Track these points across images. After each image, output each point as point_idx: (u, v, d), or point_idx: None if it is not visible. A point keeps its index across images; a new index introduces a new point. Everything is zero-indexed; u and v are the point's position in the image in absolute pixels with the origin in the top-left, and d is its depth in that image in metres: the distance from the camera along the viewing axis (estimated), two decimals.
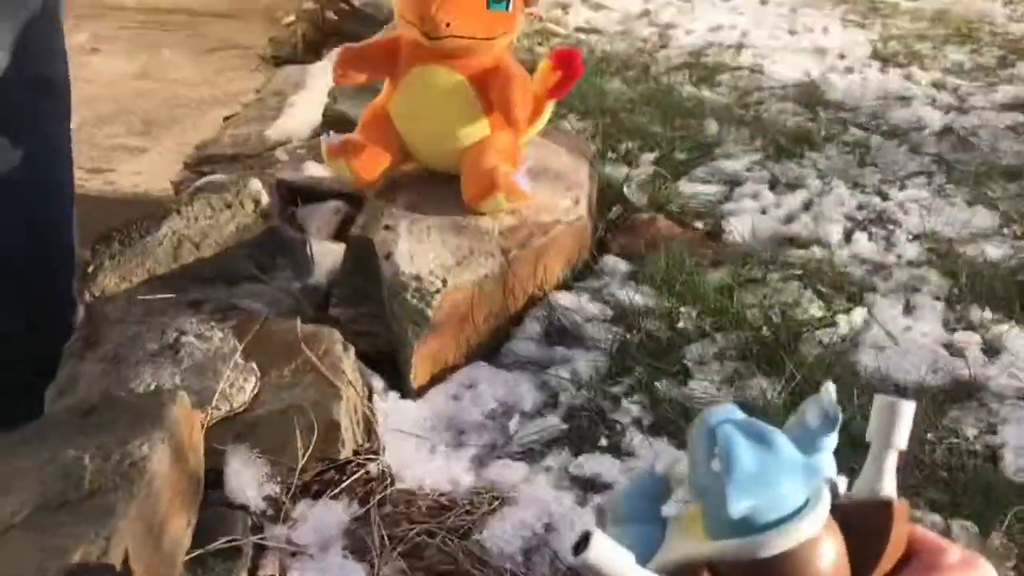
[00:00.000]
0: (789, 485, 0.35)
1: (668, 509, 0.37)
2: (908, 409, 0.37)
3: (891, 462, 0.37)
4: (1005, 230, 1.76)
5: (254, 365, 1.21)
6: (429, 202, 1.44)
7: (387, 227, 1.36)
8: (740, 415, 0.38)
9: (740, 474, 0.34)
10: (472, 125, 1.42)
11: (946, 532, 1.11)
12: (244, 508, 1.04)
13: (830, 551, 0.34)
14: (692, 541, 0.36)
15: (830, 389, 0.38)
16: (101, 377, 1.21)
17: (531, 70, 1.49)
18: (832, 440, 0.37)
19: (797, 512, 0.34)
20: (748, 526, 0.34)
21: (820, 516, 0.34)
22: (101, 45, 4.45)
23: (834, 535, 0.35)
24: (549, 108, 1.52)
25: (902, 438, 0.37)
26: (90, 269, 1.36)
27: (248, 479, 1.06)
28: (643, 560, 0.36)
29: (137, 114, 3.75)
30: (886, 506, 0.36)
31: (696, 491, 0.37)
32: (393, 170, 1.49)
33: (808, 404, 0.38)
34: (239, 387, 1.17)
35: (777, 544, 0.34)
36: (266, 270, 1.41)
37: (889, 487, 0.37)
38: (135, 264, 1.36)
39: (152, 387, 1.16)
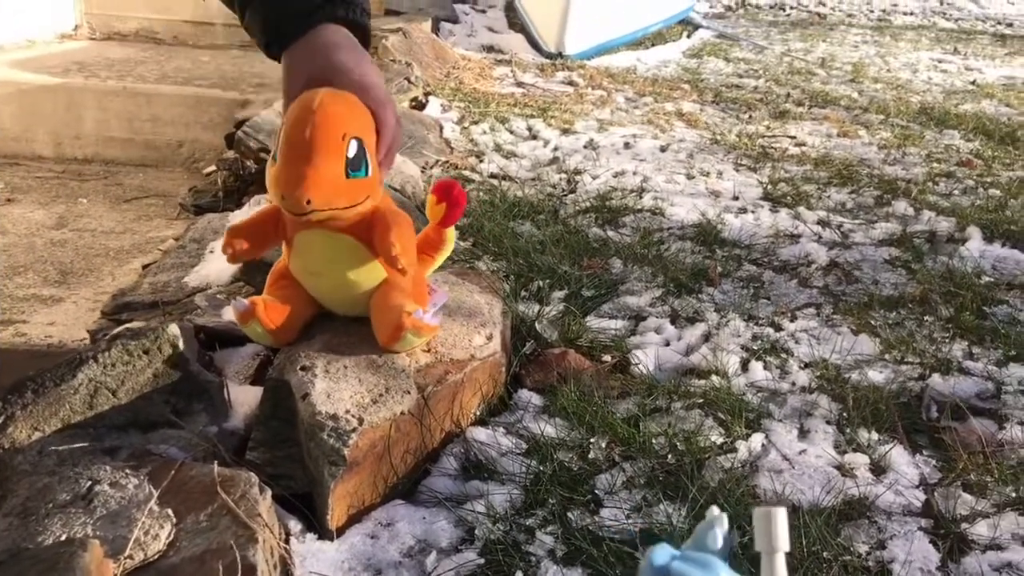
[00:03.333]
0: None
1: None
2: (782, 514, 0.42)
3: (781, 563, 0.41)
4: (887, 356, 1.91)
5: (170, 511, 1.21)
6: (345, 342, 1.49)
7: (303, 368, 1.40)
8: (674, 551, 0.41)
9: None
10: (367, 272, 1.47)
11: None
12: None
13: None
14: None
15: (716, 513, 0.42)
16: (7, 532, 1.18)
17: None
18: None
19: None
20: None
21: None
22: (16, 195, 4.45)
23: None
24: (450, 236, 1.60)
25: (784, 540, 0.41)
26: (0, 420, 1.35)
27: None
28: None
29: (53, 263, 3.73)
30: None
31: None
32: (306, 321, 1.53)
33: (703, 528, 0.42)
34: (154, 534, 1.17)
35: None
36: (182, 415, 1.43)
37: None
38: (49, 413, 1.36)
39: (63, 539, 1.14)
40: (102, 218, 4.27)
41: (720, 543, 0.40)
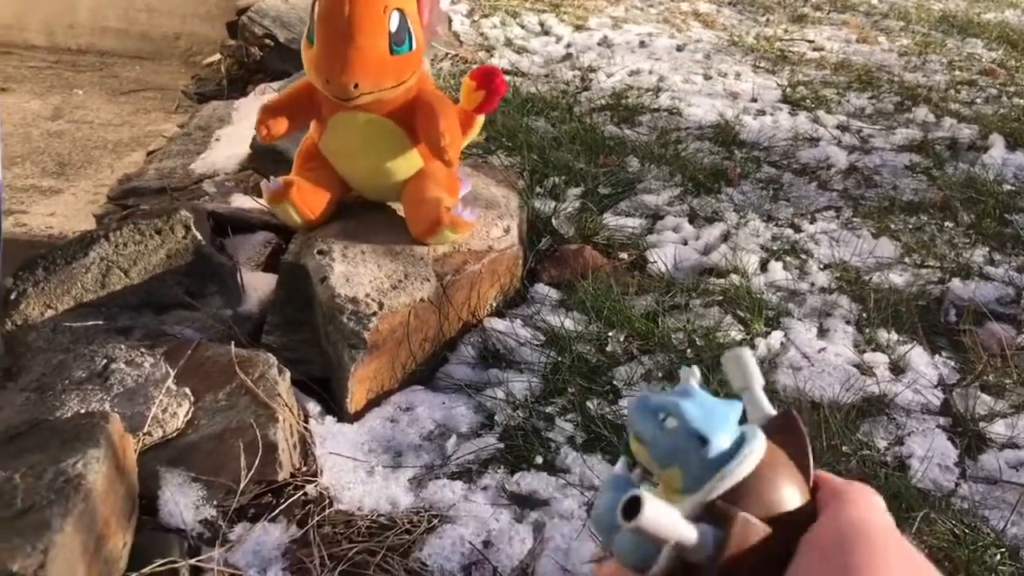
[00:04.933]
0: (730, 413, 0.39)
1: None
2: (747, 353, 0.44)
3: (760, 392, 0.43)
4: (907, 259, 1.88)
5: (187, 390, 1.20)
6: (361, 228, 1.45)
7: (321, 252, 1.36)
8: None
9: (699, 420, 0.38)
10: (405, 160, 1.42)
11: None
12: (180, 531, 1.02)
13: (779, 451, 0.39)
14: (682, 503, 0.38)
15: (689, 369, 0.43)
16: (24, 406, 1.17)
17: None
18: None
19: (744, 434, 0.39)
20: (721, 460, 0.38)
21: (758, 429, 0.39)
22: (9, 84, 4.34)
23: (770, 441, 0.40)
24: (479, 122, 1.54)
25: (757, 374, 0.43)
26: (12, 296, 1.32)
27: (184, 503, 1.05)
28: None
29: (50, 155, 3.65)
30: (787, 414, 0.42)
31: (662, 463, 0.39)
32: (335, 205, 1.48)
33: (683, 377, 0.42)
34: (172, 412, 1.16)
35: (753, 457, 0.38)
36: (196, 297, 1.40)
37: (769, 408, 0.43)
38: (61, 291, 1.33)
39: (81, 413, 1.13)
40: (99, 110, 4.16)
41: (696, 385, 0.41)
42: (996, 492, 1.26)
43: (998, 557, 1.13)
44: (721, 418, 0.38)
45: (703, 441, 0.38)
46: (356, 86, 1.27)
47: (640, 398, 0.39)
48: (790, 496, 0.39)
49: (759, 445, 0.38)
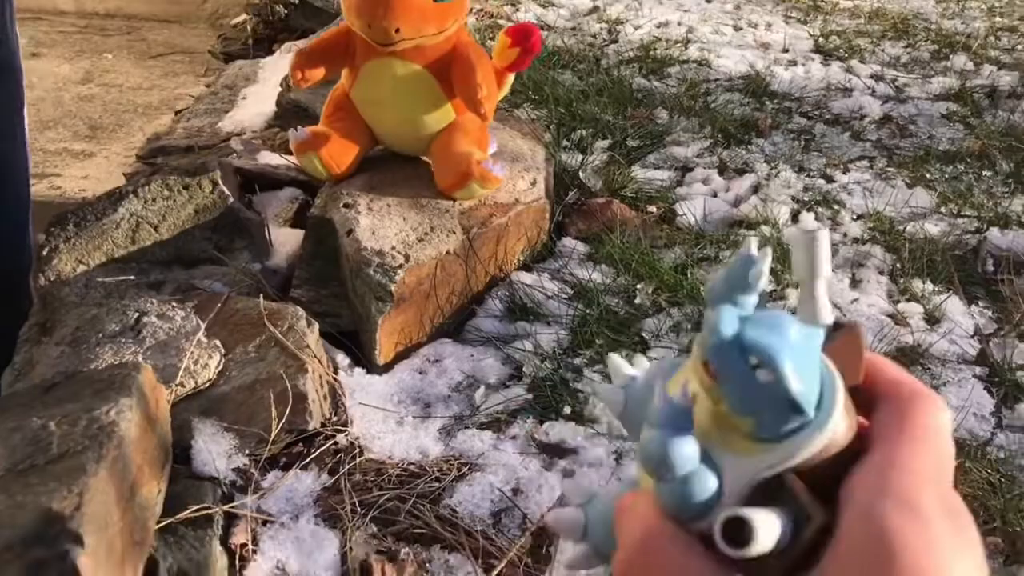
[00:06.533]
0: (818, 362, 0.33)
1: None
2: (824, 237, 0.35)
3: (823, 290, 0.35)
4: (943, 209, 1.84)
5: (218, 342, 1.21)
6: (386, 180, 1.45)
7: (347, 205, 1.36)
8: (740, 311, 0.34)
9: (799, 387, 0.32)
10: (437, 111, 1.41)
11: None
12: (213, 479, 1.04)
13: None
14: (752, 457, 0.33)
15: (754, 248, 0.35)
16: (60, 359, 1.19)
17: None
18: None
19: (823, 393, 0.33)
20: (803, 421, 0.33)
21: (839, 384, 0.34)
22: (40, 49, 4.36)
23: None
24: (510, 80, 1.52)
25: (826, 266, 0.35)
26: (44, 252, 1.34)
27: (216, 451, 1.06)
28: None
29: (82, 118, 3.68)
30: (852, 333, 0.35)
31: (736, 409, 0.33)
32: (361, 158, 1.47)
33: (742, 264, 0.34)
34: (203, 364, 1.17)
35: (836, 420, 0.33)
36: (224, 252, 1.41)
37: (828, 314, 0.35)
38: (92, 247, 1.34)
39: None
40: (128, 74, 4.18)
41: (762, 283, 0.34)
42: None
43: None
44: (812, 375, 0.33)
45: (798, 411, 0.32)
46: (398, 31, 1.27)
47: (723, 322, 0.32)
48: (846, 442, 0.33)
49: (838, 415, 0.33)
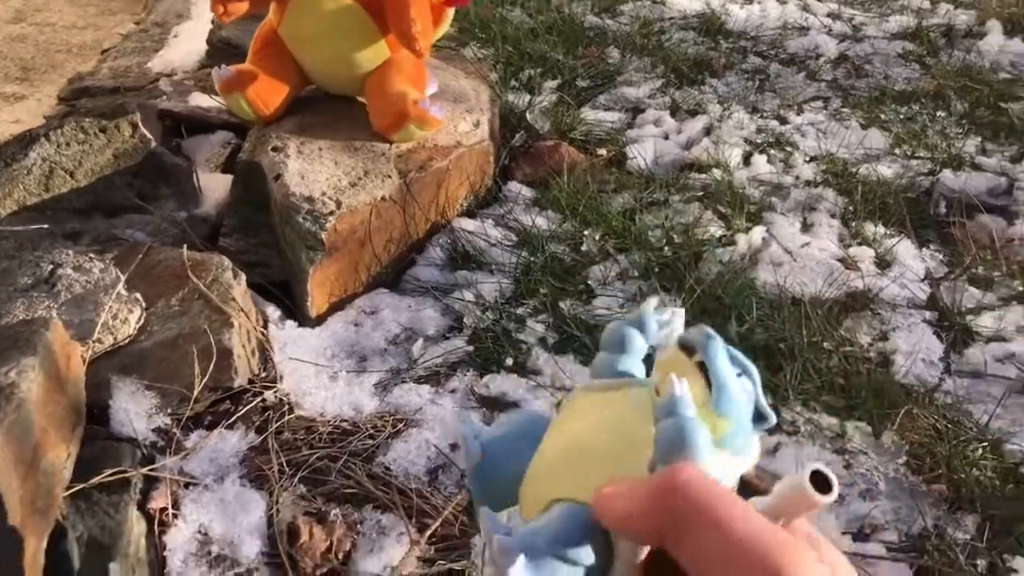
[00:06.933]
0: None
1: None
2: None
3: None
4: (896, 150, 1.81)
5: (138, 296, 1.14)
6: (319, 123, 1.37)
7: (275, 149, 1.29)
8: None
9: (763, 399, 0.37)
10: (370, 48, 1.34)
11: (841, 434, 1.14)
12: (132, 440, 0.98)
13: None
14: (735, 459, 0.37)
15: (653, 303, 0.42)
16: None
17: None
18: None
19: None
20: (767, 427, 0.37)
21: None
22: None
23: None
24: (449, 15, 1.44)
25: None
26: None
27: (136, 411, 1.00)
28: None
29: (13, 59, 3.49)
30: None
31: (719, 409, 0.36)
32: (292, 99, 1.39)
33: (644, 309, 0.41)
34: (123, 319, 1.10)
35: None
36: (148, 200, 1.33)
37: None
38: (2, 194, 1.26)
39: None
40: (62, 12, 3.97)
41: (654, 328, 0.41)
42: (981, 386, 1.23)
43: (979, 451, 1.10)
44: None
45: (763, 420, 0.37)
46: None
47: (715, 337, 0.37)
48: None
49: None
